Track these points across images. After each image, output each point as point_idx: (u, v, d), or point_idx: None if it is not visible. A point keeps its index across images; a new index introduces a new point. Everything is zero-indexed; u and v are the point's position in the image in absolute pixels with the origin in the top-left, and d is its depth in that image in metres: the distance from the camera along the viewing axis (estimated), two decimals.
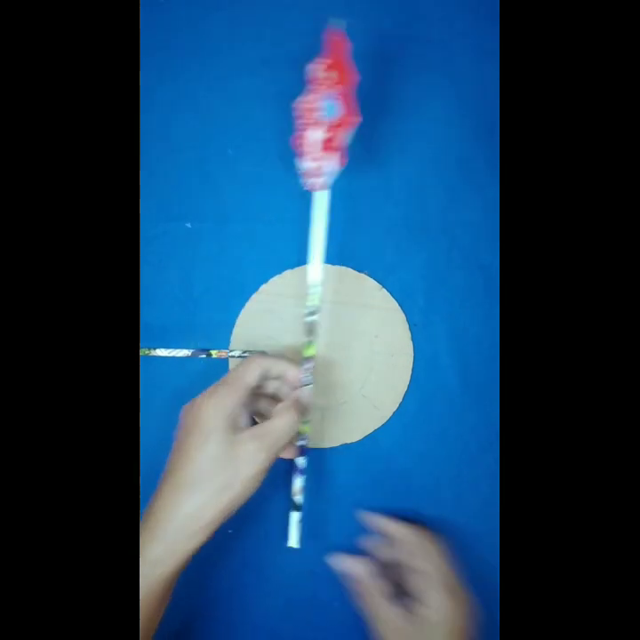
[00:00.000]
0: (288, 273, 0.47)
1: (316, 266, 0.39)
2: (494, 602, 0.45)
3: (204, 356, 0.46)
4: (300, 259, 0.47)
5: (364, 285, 0.47)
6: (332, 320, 0.47)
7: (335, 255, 0.47)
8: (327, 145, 0.36)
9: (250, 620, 0.46)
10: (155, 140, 0.48)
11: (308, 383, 0.40)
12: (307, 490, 0.46)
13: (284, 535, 0.44)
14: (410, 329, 0.47)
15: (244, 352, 0.46)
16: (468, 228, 0.47)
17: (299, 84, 0.48)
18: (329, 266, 0.47)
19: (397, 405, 0.47)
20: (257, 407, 0.42)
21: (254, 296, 0.47)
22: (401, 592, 0.41)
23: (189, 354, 0.46)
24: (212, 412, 0.35)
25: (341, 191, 0.48)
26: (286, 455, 0.40)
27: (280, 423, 0.36)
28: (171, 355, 0.46)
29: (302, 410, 0.39)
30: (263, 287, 0.47)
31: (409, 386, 0.47)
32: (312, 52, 0.48)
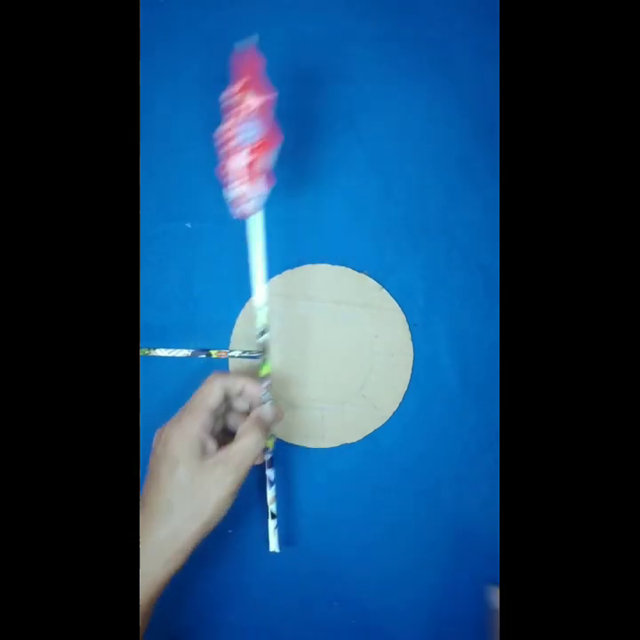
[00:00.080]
0: (288, 273, 0.47)
1: (259, 289, 0.40)
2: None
3: (203, 356, 0.46)
4: (300, 259, 0.47)
5: (364, 285, 0.47)
6: (332, 320, 0.47)
7: (335, 255, 0.47)
8: (251, 169, 0.35)
9: (250, 621, 0.46)
10: (155, 139, 0.48)
11: (268, 400, 0.41)
12: (307, 489, 0.46)
13: (281, 537, 0.45)
14: (410, 329, 0.47)
15: (244, 352, 0.46)
16: (467, 228, 0.47)
17: (299, 84, 0.48)
18: (329, 266, 0.47)
19: (397, 405, 0.47)
20: (229, 424, 0.42)
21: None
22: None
23: (189, 354, 0.46)
24: (179, 440, 0.37)
25: (341, 191, 0.48)
26: (257, 461, 0.41)
27: (244, 444, 0.37)
28: (171, 355, 0.46)
29: (264, 427, 0.39)
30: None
31: (409, 386, 0.47)
32: (313, 51, 0.48)
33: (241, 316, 0.47)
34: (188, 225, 0.48)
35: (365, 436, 0.47)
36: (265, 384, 0.41)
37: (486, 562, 0.46)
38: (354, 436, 0.47)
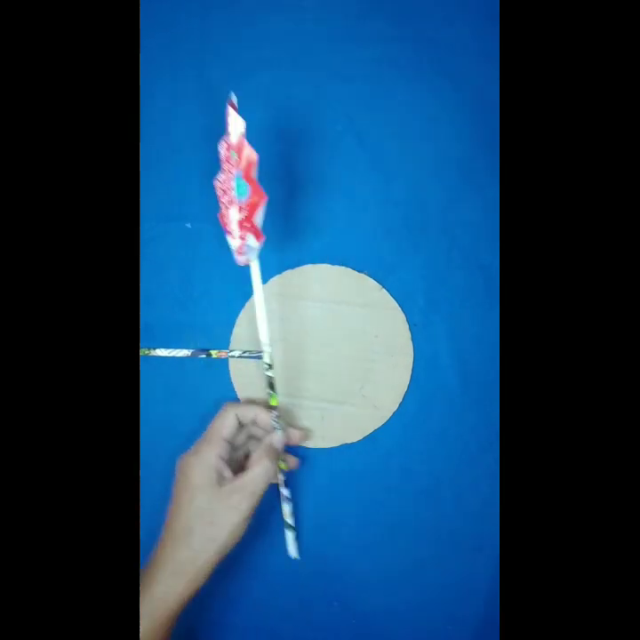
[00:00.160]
0: (288, 273, 0.47)
1: (262, 329, 0.41)
2: (494, 601, 0.46)
3: (204, 356, 0.46)
4: (300, 259, 0.47)
5: (364, 285, 0.47)
6: (333, 320, 0.47)
7: (335, 255, 0.47)
8: (242, 224, 0.37)
9: (250, 621, 0.46)
10: (155, 139, 0.48)
11: (278, 428, 0.43)
12: (307, 489, 0.46)
13: (283, 537, 0.45)
14: (410, 329, 0.47)
15: (244, 352, 0.46)
16: (467, 228, 0.47)
17: (299, 85, 0.48)
18: (329, 266, 0.47)
19: (397, 405, 0.47)
20: (248, 449, 0.45)
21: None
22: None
23: (189, 354, 0.46)
24: (196, 469, 0.39)
25: (341, 191, 0.48)
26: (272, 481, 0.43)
27: (256, 472, 0.40)
28: (171, 355, 0.46)
29: (274, 454, 0.42)
30: (263, 287, 0.47)
31: (409, 386, 0.47)
32: (313, 52, 0.48)
33: (241, 315, 0.47)
34: (188, 225, 0.48)
35: (365, 437, 0.47)
36: (274, 414, 0.42)
37: (486, 562, 0.46)
38: (354, 436, 0.47)
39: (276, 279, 0.47)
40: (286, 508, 0.44)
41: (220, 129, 0.36)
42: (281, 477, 0.44)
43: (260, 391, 0.47)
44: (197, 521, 0.38)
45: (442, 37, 0.48)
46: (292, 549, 0.45)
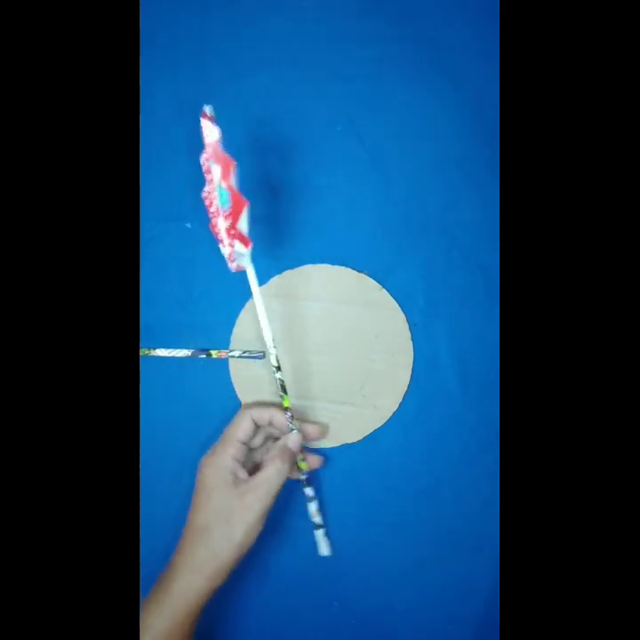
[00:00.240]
0: (288, 273, 0.47)
1: (266, 332, 0.42)
2: (495, 602, 0.46)
3: (204, 356, 0.46)
4: (301, 259, 0.47)
5: (363, 285, 0.47)
6: (332, 320, 0.47)
7: (335, 255, 0.47)
8: (229, 232, 0.38)
9: (250, 621, 0.46)
10: (155, 140, 0.48)
11: (293, 429, 0.43)
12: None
13: (283, 537, 0.45)
14: (410, 329, 0.47)
15: (244, 352, 0.46)
16: (468, 228, 0.47)
17: (299, 85, 0.48)
18: (329, 266, 0.47)
19: (397, 405, 0.47)
20: (266, 450, 0.45)
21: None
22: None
23: (189, 354, 0.46)
24: (212, 470, 0.40)
25: (341, 191, 0.48)
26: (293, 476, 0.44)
27: (268, 473, 0.40)
28: (171, 355, 0.46)
29: (289, 455, 0.42)
30: (263, 287, 0.47)
31: (409, 386, 0.47)
32: (313, 52, 0.48)
33: (241, 315, 0.47)
34: (188, 225, 0.48)
35: (365, 436, 0.47)
36: (288, 415, 0.43)
37: (486, 562, 0.46)
38: (354, 436, 0.47)
39: (275, 279, 0.47)
40: (312, 507, 0.45)
41: (220, 129, 0.36)
42: (302, 477, 0.44)
43: (260, 391, 0.47)
44: (214, 520, 0.39)
45: (442, 37, 0.48)
46: (324, 548, 0.45)
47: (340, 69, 0.48)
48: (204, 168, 0.37)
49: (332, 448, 0.47)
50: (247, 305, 0.47)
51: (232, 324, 0.47)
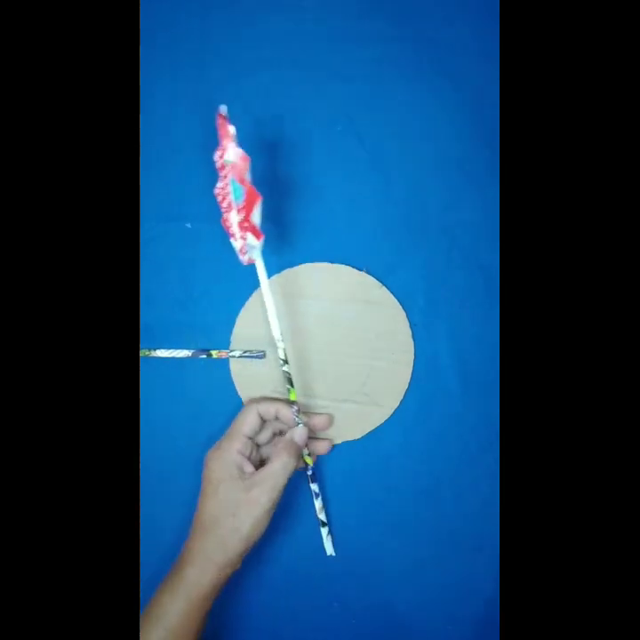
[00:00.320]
0: (288, 272, 0.47)
1: (274, 325, 0.42)
2: (495, 602, 0.46)
3: (204, 356, 0.46)
4: (301, 258, 0.47)
5: (363, 283, 0.47)
6: (333, 318, 0.47)
7: (335, 255, 0.47)
8: (242, 225, 0.38)
9: (250, 621, 0.46)
10: (155, 139, 0.48)
11: (299, 423, 0.43)
12: (306, 488, 0.46)
13: (283, 537, 0.45)
14: (410, 327, 0.47)
15: (244, 352, 0.46)
16: (467, 228, 0.47)
17: (299, 85, 0.48)
18: (329, 265, 0.47)
19: (399, 403, 0.47)
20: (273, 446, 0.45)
21: (254, 296, 0.47)
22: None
23: (189, 354, 0.46)
24: (218, 465, 0.41)
25: (341, 191, 0.48)
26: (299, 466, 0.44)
27: (275, 467, 0.40)
28: (171, 355, 0.46)
29: (295, 449, 0.42)
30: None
31: (409, 385, 0.47)
32: (313, 52, 0.48)
33: (241, 315, 0.47)
34: (188, 225, 0.48)
35: (366, 434, 0.47)
36: (294, 408, 0.43)
37: (486, 562, 0.46)
38: (355, 434, 0.47)
39: (275, 278, 0.47)
40: (317, 504, 0.45)
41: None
42: (308, 473, 0.44)
43: (261, 391, 0.47)
44: (221, 512, 0.39)
45: (442, 37, 0.48)
46: (328, 547, 0.45)
47: (340, 69, 0.48)
48: (217, 165, 0.38)
49: (333, 446, 0.47)
50: (247, 305, 0.47)
51: (232, 324, 0.47)
